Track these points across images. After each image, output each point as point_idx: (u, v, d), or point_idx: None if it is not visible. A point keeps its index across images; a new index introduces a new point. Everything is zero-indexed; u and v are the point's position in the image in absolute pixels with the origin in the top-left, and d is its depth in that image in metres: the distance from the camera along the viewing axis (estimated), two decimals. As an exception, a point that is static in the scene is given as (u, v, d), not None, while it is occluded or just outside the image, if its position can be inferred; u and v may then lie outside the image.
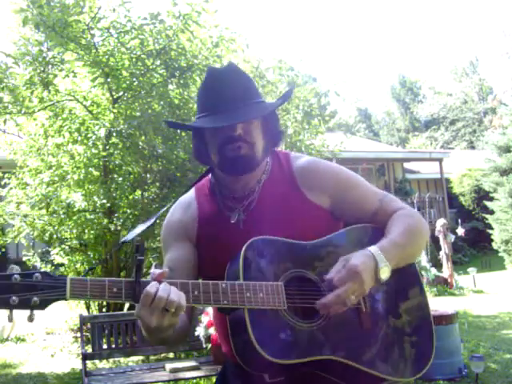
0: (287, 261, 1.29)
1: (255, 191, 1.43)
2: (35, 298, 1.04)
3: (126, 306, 6.88)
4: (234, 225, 1.39)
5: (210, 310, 4.66)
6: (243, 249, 1.25)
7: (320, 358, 1.22)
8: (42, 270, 1.10)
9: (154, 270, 1.16)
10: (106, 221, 6.15)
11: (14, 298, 1.02)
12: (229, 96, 1.35)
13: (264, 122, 1.41)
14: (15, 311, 1.05)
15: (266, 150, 1.41)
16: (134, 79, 6.07)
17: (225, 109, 1.34)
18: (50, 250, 7.09)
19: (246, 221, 1.39)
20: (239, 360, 1.22)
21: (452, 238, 11.33)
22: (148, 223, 1.45)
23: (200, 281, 1.21)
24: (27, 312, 1.06)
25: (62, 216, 6.28)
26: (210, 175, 1.52)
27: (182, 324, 1.33)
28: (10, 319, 1.06)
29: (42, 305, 1.06)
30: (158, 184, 6.67)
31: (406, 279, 1.42)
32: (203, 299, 1.19)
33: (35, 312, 1.06)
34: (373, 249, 1.29)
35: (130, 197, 6.33)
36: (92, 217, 6.23)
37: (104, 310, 6.91)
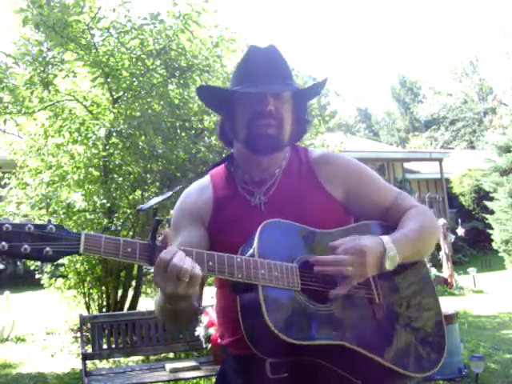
0: (301, 245, 1.30)
1: (275, 176, 1.43)
2: (48, 249, 1.02)
3: (126, 306, 6.89)
4: (255, 208, 1.39)
5: (209, 310, 4.65)
6: (259, 228, 1.25)
7: (331, 343, 1.20)
8: (57, 223, 1.08)
9: (165, 230, 1.16)
10: (106, 221, 6.15)
11: (26, 246, 1.00)
12: (266, 72, 1.37)
13: (294, 107, 1.43)
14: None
15: (291, 136, 1.43)
16: (134, 79, 6.06)
17: (260, 82, 1.35)
18: (49, 250, 7.07)
19: (266, 204, 1.39)
20: (249, 341, 1.20)
21: (452, 237, 11.33)
22: (164, 196, 1.44)
23: (215, 252, 1.20)
24: (38, 265, 1.05)
25: (62, 216, 6.28)
26: (224, 164, 1.52)
27: (195, 305, 1.31)
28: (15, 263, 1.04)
29: (54, 256, 1.03)
30: (157, 184, 6.67)
31: (419, 277, 1.43)
32: (218, 270, 1.18)
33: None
34: (384, 238, 1.30)
35: (130, 197, 6.33)
36: (92, 217, 6.23)
37: (104, 310, 6.91)
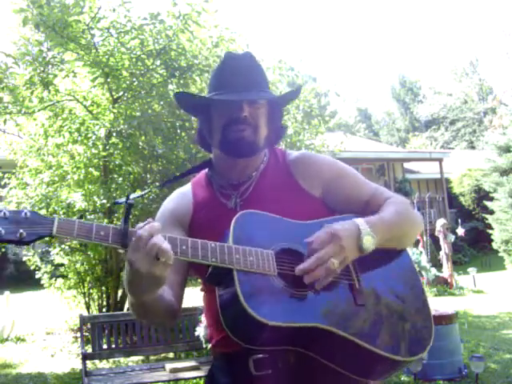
0: (277, 234, 1.30)
1: (252, 178, 1.46)
2: (21, 231, 1.06)
3: (126, 306, 6.89)
4: (231, 210, 1.40)
5: (204, 303, 4.65)
6: (234, 219, 1.26)
7: (310, 325, 1.19)
8: (32, 210, 1.13)
9: (139, 224, 1.16)
10: (106, 221, 6.15)
11: (0, 228, 1.05)
12: (241, 80, 1.39)
13: (270, 113, 1.45)
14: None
15: (267, 140, 1.45)
16: (134, 79, 6.07)
17: (236, 90, 1.38)
18: (49, 250, 7.09)
19: (242, 206, 1.41)
20: (230, 332, 1.20)
21: (452, 238, 11.33)
22: (141, 192, 1.49)
23: (188, 238, 1.21)
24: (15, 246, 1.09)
25: (62, 216, 6.28)
26: (206, 169, 1.55)
27: (169, 300, 1.31)
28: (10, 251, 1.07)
29: (28, 237, 1.07)
30: (158, 184, 6.67)
31: (400, 264, 1.43)
32: (191, 254, 1.18)
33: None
34: (358, 220, 1.31)
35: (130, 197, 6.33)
36: (92, 217, 6.23)
37: (104, 310, 6.91)
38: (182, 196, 1.51)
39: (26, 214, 1.09)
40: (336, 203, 1.46)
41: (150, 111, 5.91)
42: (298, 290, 1.24)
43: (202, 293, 1.50)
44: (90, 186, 6.24)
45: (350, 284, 1.30)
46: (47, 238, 6.48)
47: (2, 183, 7.15)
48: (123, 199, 1.28)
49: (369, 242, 1.28)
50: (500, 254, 15.42)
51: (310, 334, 1.21)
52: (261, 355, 1.26)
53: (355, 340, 1.22)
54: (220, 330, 1.26)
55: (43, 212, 6.33)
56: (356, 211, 1.44)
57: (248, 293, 1.17)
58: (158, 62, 6.13)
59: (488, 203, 15.89)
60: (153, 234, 1.12)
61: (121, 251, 1.15)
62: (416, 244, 10.93)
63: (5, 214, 1.07)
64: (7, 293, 8.33)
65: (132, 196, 1.27)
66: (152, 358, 5.58)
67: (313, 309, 1.22)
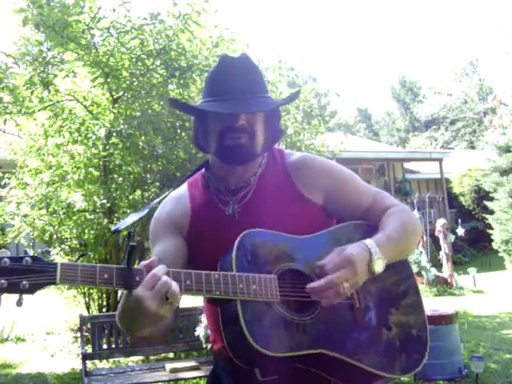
0: (281, 254, 1.29)
1: (250, 184, 1.42)
2: (24, 282, 1.02)
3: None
4: (229, 217, 1.39)
5: (205, 307, 4.65)
6: (237, 240, 1.25)
7: (311, 353, 1.20)
8: (33, 254, 1.09)
9: (142, 262, 1.15)
10: (106, 221, 6.15)
11: (2, 281, 1.01)
12: (237, 85, 1.35)
13: (267, 118, 1.41)
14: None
15: (264, 146, 1.41)
16: (134, 79, 6.06)
17: (232, 97, 1.34)
18: (49, 250, 7.09)
19: (240, 213, 1.39)
20: (230, 352, 1.20)
21: (452, 238, 11.33)
22: (140, 214, 1.45)
23: (192, 270, 1.19)
24: (17, 297, 1.06)
25: (62, 216, 6.28)
26: (203, 170, 1.52)
27: (169, 321, 1.30)
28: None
29: (31, 289, 1.04)
30: (157, 184, 6.67)
31: (400, 277, 1.42)
32: (195, 288, 1.17)
33: (24, 297, 1.04)
34: (368, 241, 1.29)
35: (130, 197, 6.33)
36: (92, 217, 6.23)
37: (104, 310, 6.91)
38: (178, 199, 1.47)
39: (27, 261, 1.05)
40: (336, 209, 1.44)
41: (150, 111, 5.90)
42: (300, 314, 1.24)
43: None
44: (90, 186, 6.23)
45: (351, 304, 1.31)
46: (47, 238, 6.38)
47: (2, 183, 7.15)
48: (123, 225, 1.30)
49: (379, 266, 1.28)
50: (500, 254, 15.42)
51: (311, 358, 1.22)
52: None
53: (355, 363, 1.24)
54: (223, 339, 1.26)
55: (43, 212, 6.34)
56: (357, 217, 1.43)
57: (250, 322, 1.17)
58: (158, 62, 6.13)
59: (488, 203, 15.89)
60: (162, 275, 1.10)
61: (124, 291, 1.14)
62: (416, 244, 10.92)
63: (5, 262, 1.02)
64: (7, 293, 8.33)
65: (130, 220, 1.28)
66: (152, 358, 5.58)
67: (314, 334, 1.22)
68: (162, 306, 1.10)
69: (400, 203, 1.48)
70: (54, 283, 1.06)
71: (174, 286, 1.10)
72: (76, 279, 1.07)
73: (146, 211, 1.47)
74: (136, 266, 1.15)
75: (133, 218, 1.39)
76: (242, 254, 1.24)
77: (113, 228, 1.31)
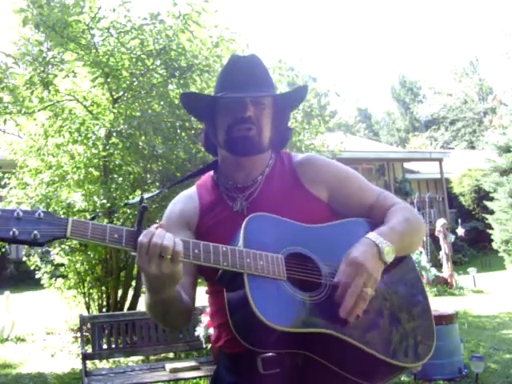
0: (286, 238, 1.31)
1: (258, 182, 1.46)
2: (35, 232, 1.06)
3: (126, 306, 6.89)
4: (237, 213, 1.42)
5: (209, 309, 4.66)
6: (245, 221, 1.27)
7: (319, 331, 1.21)
8: (46, 210, 1.12)
9: (151, 226, 1.17)
10: (106, 221, 6.15)
11: (14, 229, 1.04)
12: (246, 80, 1.41)
13: (274, 114, 1.46)
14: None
15: (272, 142, 1.46)
16: (134, 79, 6.06)
17: (241, 89, 1.40)
18: (49, 250, 7.09)
19: (248, 209, 1.42)
20: (238, 335, 1.20)
21: (452, 238, 11.33)
22: (151, 194, 1.52)
23: (201, 241, 1.21)
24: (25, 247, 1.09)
25: (62, 216, 6.28)
26: (211, 172, 1.55)
27: (185, 299, 1.33)
28: (9, 251, 1.07)
29: (42, 239, 1.07)
30: (158, 184, 6.67)
31: (405, 270, 1.44)
32: (203, 257, 1.19)
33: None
34: (370, 235, 1.31)
35: (130, 197, 6.33)
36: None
37: (104, 310, 6.91)
38: (187, 199, 1.51)
39: (39, 214, 1.08)
40: (341, 207, 1.47)
41: (150, 111, 5.90)
42: (305, 294, 1.24)
43: (207, 295, 1.51)
44: (90, 186, 6.23)
45: None
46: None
47: (2, 183, 7.15)
48: (135, 200, 1.31)
49: (390, 253, 1.29)
50: (500, 254, 15.42)
51: (317, 339, 1.22)
52: (269, 354, 1.27)
53: (361, 346, 1.24)
54: (230, 331, 1.26)
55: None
56: (360, 215, 1.46)
57: (258, 297, 1.17)
58: (158, 62, 6.13)
59: (488, 203, 15.89)
60: (153, 234, 1.12)
61: (133, 253, 1.16)
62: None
63: (18, 214, 1.06)
64: (7, 293, 8.34)
65: (146, 196, 1.30)
66: (152, 357, 5.58)
67: (320, 315, 1.23)
68: (162, 265, 1.12)
69: (403, 202, 1.51)
70: (64, 236, 1.09)
71: (165, 242, 1.11)
72: (86, 235, 1.10)
73: (157, 192, 1.57)
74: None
75: (145, 195, 1.42)
76: (249, 234, 1.26)
77: (125, 202, 1.33)
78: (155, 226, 1.16)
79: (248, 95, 1.39)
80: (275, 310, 1.18)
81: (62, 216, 6.28)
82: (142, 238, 1.12)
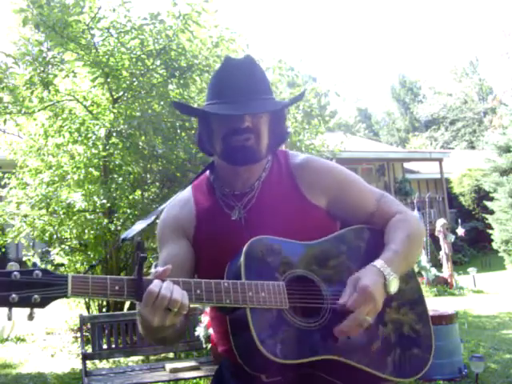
0: (288, 261, 1.29)
1: (255, 189, 1.42)
2: (36, 296, 1.02)
3: (126, 305, 6.88)
4: (235, 222, 1.38)
5: (209, 309, 4.66)
6: (245, 247, 1.24)
7: (321, 358, 1.21)
8: (42, 267, 1.08)
9: (155, 269, 1.15)
10: (105, 221, 6.15)
11: (13, 295, 1.00)
12: (242, 87, 1.35)
13: (272, 119, 1.41)
14: (15, 310, 1.03)
15: (269, 148, 1.41)
16: (134, 79, 6.07)
17: (236, 99, 1.34)
18: (49, 250, 7.09)
19: (246, 218, 1.39)
20: (240, 359, 1.21)
21: (452, 238, 11.33)
22: (147, 221, 1.46)
23: (202, 279, 1.19)
24: (27, 311, 1.04)
25: (62, 216, 6.28)
26: (207, 172, 1.52)
27: (181, 324, 1.32)
28: (10, 318, 1.04)
29: (43, 302, 1.04)
30: (157, 184, 6.68)
31: (404, 281, 1.42)
32: (206, 298, 1.17)
33: (35, 310, 1.05)
34: (379, 263, 1.29)
35: (130, 197, 6.34)
36: (92, 217, 6.23)
37: (104, 310, 6.91)
38: (183, 204, 1.47)
39: (37, 274, 1.04)
40: (340, 212, 1.44)
41: (150, 111, 5.91)
42: (308, 320, 1.24)
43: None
44: (90, 186, 6.23)
45: None
46: (47, 238, 6.39)
47: (2, 183, 7.15)
48: (131, 233, 1.31)
49: (395, 286, 1.29)
50: (500, 254, 15.41)
51: (321, 363, 1.23)
52: None
53: (363, 368, 1.26)
54: (228, 341, 1.26)
55: (43, 212, 6.34)
56: (361, 221, 1.43)
57: (260, 330, 1.17)
58: (158, 62, 6.13)
59: (488, 203, 15.89)
60: (161, 287, 1.11)
61: (135, 302, 1.15)
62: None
63: (16, 276, 1.01)
64: (7, 293, 8.32)
65: (138, 228, 1.30)
66: (152, 358, 5.58)
67: (324, 340, 1.23)
68: (167, 317, 1.11)
69: (405, 209, 1.47)
70: (66, 296, 1.05)
71: (174, 295, 1.10)
72: (87, 291, 1.07)
73: (154, 218, 1.48)
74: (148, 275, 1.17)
75: (141, 225, 1.40)
76: (250, 261, 1.24)
77: (122, 236, 1.31)
78: (159, 270, 1.14)
79: (245, 111, 1.32)
80: (276, 342, 1.17)
81: (62, 216, 6.28)
82: (152, 287, 1.10)
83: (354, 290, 1.24)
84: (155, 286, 1.11)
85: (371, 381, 1.29)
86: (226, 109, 1.33)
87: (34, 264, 1.07)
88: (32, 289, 1.02)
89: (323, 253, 1.33)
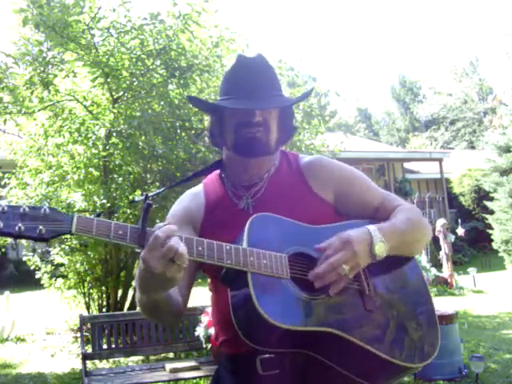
0: (290, 238, 1.32)
1: (263, 180, 1.47)
2: (41, 227, 1.06)
3: (126, 305, 6.88)
4: (243, 211, 1.43)
5: (209, 309, 4.66)
6: (249, 220, 1.28)
7: (321, 330, 1.21)
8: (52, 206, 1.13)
9: (159, 224, 1.16)
10: (106, 221, 6.13)
11: (20, 224, 1.05)
12: (253, 83, 1.42)
13: (281, 116, 1.47)
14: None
15: (278, 143, 1.47)
16: (134, 79, 6.06)
17: (249, 95, 1.40)
18: (49, 250, 7.09)
19: (254, 207, 1.43)
20: (242, 335, 1.21)
21: (452, 238, 11.33)
22: (158, 190, 1.57)
23: (204, 239, 1.21)
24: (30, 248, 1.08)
25: (63, 216, 6.27)
26: (218, 170, 1.56)
27: (177, 300, 1.33)
28: (14, 247, 1.07)
29: (47, 234, 1.07)
30: (158, 184, 6.67)
31: (409, 273, 1.46)
32: (207, 255, 1.19)
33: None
34: (369, 226, 1.33)
35: (130, 197, 6.33)
36: (92, 217, 6.22)
37: (104, 310, 6.91)
38: (193, 196, 1.52)
39: (45, 210, 1.09)
40: (346, 208, 1.48)
41: (150, 111, 5.90)
42: (309, 294, 1.25)
43: (210, 293, 1.51)
44: (90, 186, 6.23)
45: (361, 290, 1.32)
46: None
47: (2, 183, 7.15)
48: (141, 197, 1.31)
49: (381, 249, 1.30)
50: (500, 254, 15.41)
51: (320, 338, 1.22)
52: (268, 355, 1.27)
53: (365, 346, 1.24)
54: (228, 330, 1.26)
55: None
56: (366, 217, 1.46)
57: (261, 295, 1.18)
58: (158, 62, 6.13)
59: (488, 203, 15.88)
60: (170, 236, 1.12)
61: (138, 250, 1.16)
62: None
63: (24, 209, 1.07)
64: (7, 293, 8.33)
65: (150, 194, 1.30)
66: (152, 358, 5.58)
67: (324, 314, 1.24)
68: (169, 267, 1.11)
69: (409, 204, 1.52)
70: (70, 232, 1.09)
71: (181, 248, 1.11)
72: (91, 231, 1.11)
73: (163, 189, 1.59)
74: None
75: (150, 194, 1.43)
76: (252, 233, 1.27)
77: (131, 199, 1.32)
78: (169, 222, 1.16)
79: (257, 106, 1.39)
80: (278, 309, 1.18)
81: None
82: (160, 233, 1.11)
83: (336, 239, 1.28)
84: (162, 231, 1.12)
85: (373, 366, 1.28)
86: (239, 103, 1.40)
87: (44, 204, 1.12)
88: (38, 221, 1.07)
89: (327, 236, 1.35)
